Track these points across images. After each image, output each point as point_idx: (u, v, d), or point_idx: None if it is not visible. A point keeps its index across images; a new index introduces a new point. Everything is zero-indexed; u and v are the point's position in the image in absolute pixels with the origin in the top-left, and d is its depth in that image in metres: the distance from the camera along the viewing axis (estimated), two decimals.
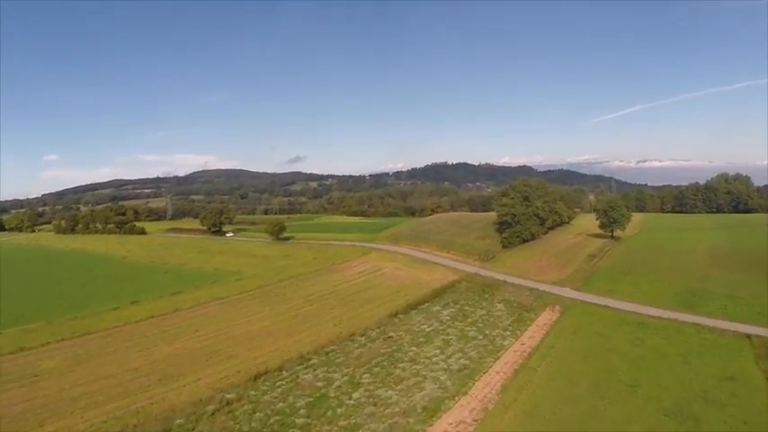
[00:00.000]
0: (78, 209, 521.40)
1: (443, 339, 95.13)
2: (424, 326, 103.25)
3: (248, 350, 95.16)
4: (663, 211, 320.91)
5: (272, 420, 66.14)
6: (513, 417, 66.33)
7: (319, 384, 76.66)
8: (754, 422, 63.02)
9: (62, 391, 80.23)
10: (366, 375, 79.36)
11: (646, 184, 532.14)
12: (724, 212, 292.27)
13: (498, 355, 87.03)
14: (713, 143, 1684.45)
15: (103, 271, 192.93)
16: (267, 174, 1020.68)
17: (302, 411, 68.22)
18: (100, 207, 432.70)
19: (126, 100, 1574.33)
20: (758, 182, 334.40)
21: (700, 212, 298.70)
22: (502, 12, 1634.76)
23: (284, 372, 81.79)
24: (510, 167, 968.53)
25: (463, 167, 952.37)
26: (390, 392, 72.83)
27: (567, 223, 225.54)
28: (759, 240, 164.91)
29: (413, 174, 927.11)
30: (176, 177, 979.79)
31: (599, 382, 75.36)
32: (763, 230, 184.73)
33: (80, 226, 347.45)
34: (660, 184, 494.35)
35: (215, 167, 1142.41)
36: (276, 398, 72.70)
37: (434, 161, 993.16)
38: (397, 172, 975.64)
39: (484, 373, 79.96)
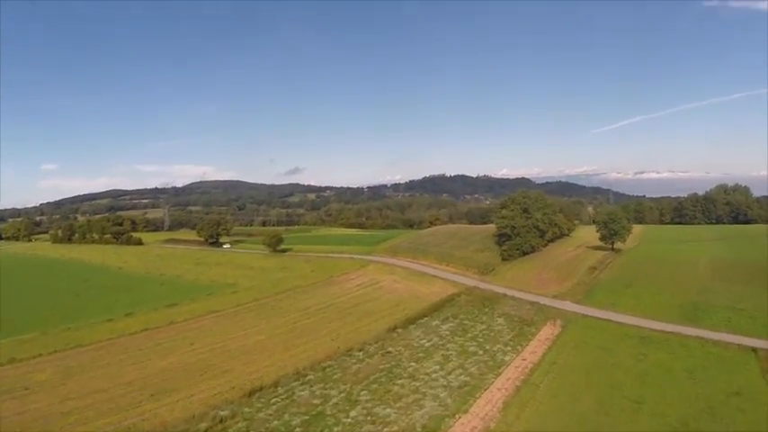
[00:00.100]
0: (76, 218, 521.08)
1: (443, 355, 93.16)
2: (424, 341, 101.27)
3: (243, 365, 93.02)
4: (662, 222, 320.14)
5: None
6: None
7: (315, 401, 74.49)
8: None
9: (52, 406, 78.06)
10: (364, 392, 77.26)
11: (644, 196, 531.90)
12: (723, 223, 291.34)
13: (499, 371, 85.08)
14: (711, 154, 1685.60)
15: (99, 281, 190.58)
16: (265, 185, 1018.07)
17: (297, 430, 66.18)
18: (97, 217, 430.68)
19: (124, 109, 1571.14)
20: (756, 192, 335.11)
21: (699, 224, 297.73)
22: (501, 23, 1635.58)
23: (280, 388, 79.62)
24: (508, 179, 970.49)
25: (461, 179, 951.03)
26: (389, 410, 70.72)
27: (567, 235, 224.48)
28: (760, 252, 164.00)
29: (411, 186, 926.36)
30: (174, 188, 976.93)
31: (603, 399, 73.56)
32: (764, 241, 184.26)
33: (77, 236, 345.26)
34: (658, 195, 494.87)
35: (213, 178, 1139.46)
36: (271, 415, 70.57)
37: (432, 173, 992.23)
38: (395, 184, 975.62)
39: (485, 389, 77.94)
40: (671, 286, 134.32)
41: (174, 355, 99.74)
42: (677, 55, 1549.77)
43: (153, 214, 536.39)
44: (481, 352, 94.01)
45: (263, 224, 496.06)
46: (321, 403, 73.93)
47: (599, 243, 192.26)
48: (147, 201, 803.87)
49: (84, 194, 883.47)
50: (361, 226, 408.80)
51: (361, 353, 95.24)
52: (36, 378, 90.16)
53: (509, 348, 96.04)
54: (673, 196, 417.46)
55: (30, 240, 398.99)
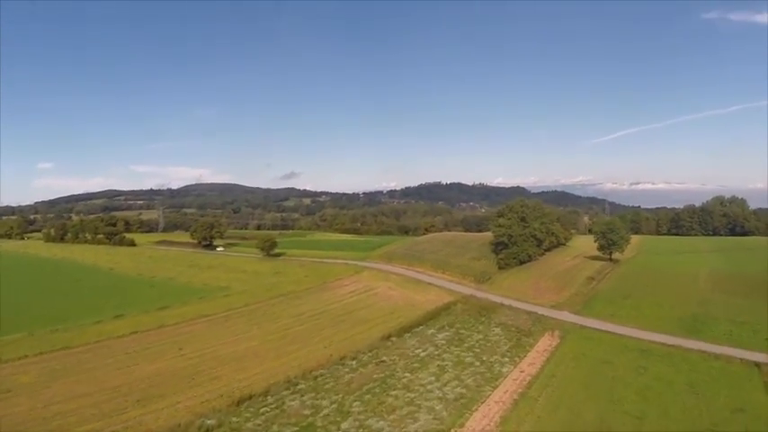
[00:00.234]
0: (70, 218, 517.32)
1: (438, 365, 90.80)
2: (419, 350, 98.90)
3: (233, 372, 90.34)
4: (659, 233, 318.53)
5: None
6: None
7: (306, 412, 71.95)
8: None
9: (34, 410, 75.14)
10: (356, 403, 74.76)
11: (639, 207, 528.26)
12: (720, 235, 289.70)
13: (497, 384, 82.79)
14: (707, 166, 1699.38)
15: (90, 282, 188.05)
16: (261, 189, 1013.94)
17: None
18: (91, 217, 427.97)
19: (121, 110, 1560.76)
20: (753, 205, 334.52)
21: (696, 235, 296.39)
22: (499, 32, 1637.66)
23: (269, 397, 77.10)
24: (504, 188, 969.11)
25: (457, 187, 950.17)
26: (382, 423, 68.28)
27: (564, 245, 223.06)
28: (759, 264, 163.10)
29: (406, 192, 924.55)
30: (170, 190, 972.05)
31: (604, 414, 71.51)
32: (763, 254, 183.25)
33: (69, 235, 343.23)
34: (653, 206, 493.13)
35: (209, 181, 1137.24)
36: (259, 426, 68.17)
37: (428, 180, 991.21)
38: (391, 190, 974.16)
39: (482, 402, 75.61)
40: (670, 298, 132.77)
41: (163, 360, 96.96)
42: (675, 67, 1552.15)
43: (148, 215, 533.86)
44: (478, 363, 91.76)
45: (258, 228, 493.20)
46: (312, 414, 71.44)
47: (596, 253, 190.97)
48: (142, 202, 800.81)
49: (79, 194, 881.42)
50: (356, 231, 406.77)
51: (354, 361, 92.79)
52: (20, 380, 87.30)
53: (506, 360, 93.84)
54: (669, 207, 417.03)
55: (22, 239, 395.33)
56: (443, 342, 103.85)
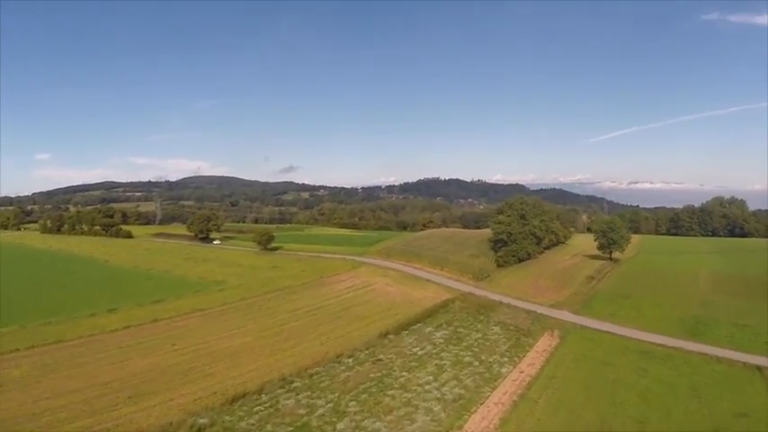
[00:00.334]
0: (68, 209, 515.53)
1: (437, 364, 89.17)
2: (416, 348, 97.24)
3: (227, 368, 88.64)
4: (658, 233, 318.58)
5: None
6: None
7: (301, 412, 70.27)
8: None
9: (24, 406, 73.47)
10: (353, 403, 73.06)
11: (638, 206, 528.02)
12: (719, 236, 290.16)
13: (496, 384, 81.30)
14: (705, 166, 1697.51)
15: (84, 274, 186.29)
16: (259, 182, 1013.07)
17: None
18: (88, 208, 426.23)
19: (120, 102, 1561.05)
20: (751, 206, 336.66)
21: (695, 235, 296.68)
22: (500, 30, 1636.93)
23: (264, 395, 75.36)
24: (502, 185, 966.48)
25: (455, 183, 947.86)
26: (378, 424, 66.66)
27: (563, 243, 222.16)
28: (760, 266, 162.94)
29: (405, 188, 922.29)
30: (168, 182, 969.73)
31: (605, 417, 70.21)
32: (763, 256, 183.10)
33: (66, 226, 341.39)
34: (651, 205, 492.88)
35: (207, 173, 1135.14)
36: (253, 425, 66.48)
37: (427, 176, 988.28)
38: (390, 185, 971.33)
39: (481, 404, 74.09)
40: (671, 299, 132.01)
41: (156, 356, 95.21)
42: (675, 67, 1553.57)
43: (145, 207, 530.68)
44: (477, 363, 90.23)
45: (256, 221, 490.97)
46: (307, 414, 69.78)
47: (596, 252, 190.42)
48: (140, 194, 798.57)
49: (77, 185, 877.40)
50: (354, 226, 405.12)
51: (350, 359, 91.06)
52: (11, 374, 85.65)
53: (506, 359, 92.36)
54: (668, 207, 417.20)
55: (19, 229, 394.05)
56: (441, 340, 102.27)
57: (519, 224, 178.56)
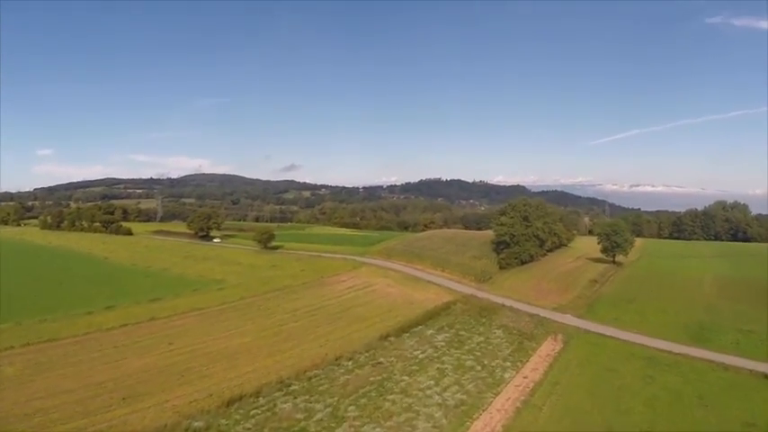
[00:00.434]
0: (68, 205, 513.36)
1: (438, 368, 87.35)
2: (417, 351, 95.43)
3: (224, 370, 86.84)
4: (660, 236, 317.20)
5: None
6: None
7: (299, 416, 68.35)
8: None
9: (16, 405, 71.67)
10: (352, 408, 71.14)
11: (639, 209, 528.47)
12: (722, 240, 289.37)
13: (498, 390, 79.53)
14: (706, 170, 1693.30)
15: (83, 271, 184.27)
16: (261, 180, 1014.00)
17: None
18: (89, 205, 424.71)
19: (122, 99, 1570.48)
20: (752, 211, 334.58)
21: (698, 239, 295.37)
22: (501, 31, 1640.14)
23: (261, 398, 73.51)
24: (503, 186, 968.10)
25: (457, 184, 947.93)
26: (378, 430, 64.86)
27: (566, 245, 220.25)
28: (764, 271, 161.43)
29: (406, 188, 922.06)
30: (169, 179, 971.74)
31: (612, 425, 68.51)
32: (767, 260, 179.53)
33: (66, 223, 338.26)
34: (653, 209, 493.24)
35: (208, 171, 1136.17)
36: (249, 429, 64.71)
37: (428, 176, 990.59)
38: (391, 185, 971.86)
39: (483, 410, 72.30)
40: (676, 303, 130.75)
41: (152, 355, 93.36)
42: (677, 70, 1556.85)
43: (146, 204, 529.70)
44: (479, 367, 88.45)
45: (257, 220, 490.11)
46: (305, 418, 67.87)
47: (599, 255, 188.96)
48: (141, 191, 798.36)
49: (78, 181, 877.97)
50: (355, 226, 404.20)
51: (350, 362, 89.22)
52: (4, 372, 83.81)
53: (508, 364, 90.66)
54: (669, 210, 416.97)
55: (19, 225, 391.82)
56: (443, 344, 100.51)
57: (522, 226, 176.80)
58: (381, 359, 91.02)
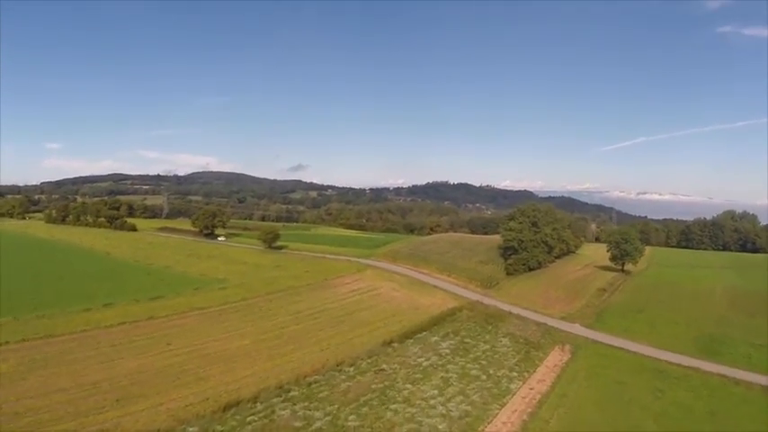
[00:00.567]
0: (75, 199, 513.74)
1: (442, 377, 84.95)
2: (421, 359, 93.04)
3: (222, 372, 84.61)
4: (668, 245, 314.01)
5: None
6: None
7: (297, 424, 65.95)
8: None
9: (6, 404, 69.79)
10: (352, 417, 68.66)
11: (646, 217, 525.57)
12: (731, 250, 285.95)
13: (504, 401, 77.11)
14: (713, 180, 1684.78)
15: (84, 266, 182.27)
16: (268, 180, 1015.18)
17: None
18: (95, 200, 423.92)
19: (131, 95, 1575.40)
20: (761, 221, 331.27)
21: (706, 249, 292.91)
22: (511, 36, 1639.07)
23: (258, 404, 71.21)
24: (511, 191, 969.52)
25: (464, 188, 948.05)
26: None
27: (574, 252, 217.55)
28: None
29: (413, 191, 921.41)
30: (176, 176, 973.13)
31: None
32: None
33: (71, 217, 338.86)
34: (660, 217, 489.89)
35: (216, 169, 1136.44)
36: None
37: (435, 179, 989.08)
38: (398, 188, 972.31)
39: (488, 422, 69.87)
40: (686, 315, 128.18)
41: (148, 356, 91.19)
42: (685, 78, 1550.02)
43: (152, 201, 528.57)
44: (484, 377, 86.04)
45: (263, 219, 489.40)
46: (303, 427, 65.52)
47: (607, 263, 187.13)
48: (148, 187, 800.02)
49: (86, 176, 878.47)
50: (361, 227, 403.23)
51: (351, 368, 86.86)
52: None
53: (515, 374, 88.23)
54: (676, 219, 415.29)
55: (24, 218, 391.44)
56: (448, 351, 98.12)
57: (530, 231, 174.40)
58: (384, 366, 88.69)
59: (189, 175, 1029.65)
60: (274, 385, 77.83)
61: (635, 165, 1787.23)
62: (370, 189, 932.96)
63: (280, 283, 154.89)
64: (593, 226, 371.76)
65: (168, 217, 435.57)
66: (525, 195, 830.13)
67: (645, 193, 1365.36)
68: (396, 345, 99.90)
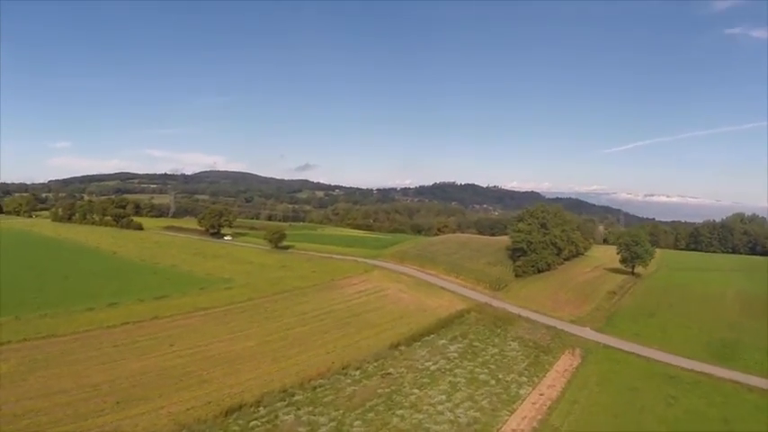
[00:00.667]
0: (82, 198, 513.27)
1: (450, 382, 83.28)
2: (429, 363, 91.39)
3: (225, 375, 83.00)
4: (677, 247, 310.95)
5: None
6: None
7: (301, 430, 64.46)
8: None
9: (5, 405, 68.39)
10: (357, 423, 67.00)
11: (654, 219, 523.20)
12: (740, 254, 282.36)
13: (514, 408, 75.42)
14: (720, 182, 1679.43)
15: (89, 265, 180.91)
16: (275, 179, 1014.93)
17: None
18: (102, 198, 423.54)
19: (140, 95, 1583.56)
20: None
21: (715, 251, 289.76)
22: (517, 36, 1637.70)
23: (262, 408, 69.66)
24: (518, 192, 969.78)
25: (471, 189, 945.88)
26: None
27: (583, 254, 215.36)
28: None
29: (420, 191, 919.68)
30: (183, 175, 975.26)
31: None
32: None
33: (77, 215, 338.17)
34: (667, 219, 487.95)
35: (223, 169, 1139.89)
36: None
37: (442, 180, 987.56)
38: (405, 188, 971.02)
39: (498, 430, 68.22)
40: (697, 319, 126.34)
41: (151, 357, 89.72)
42: (693, 80, 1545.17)
43: (160, 200, 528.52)
44: (493, 381, 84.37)
45: (269, 218, 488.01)
46: None
47: (617, 265, 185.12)
48: (155, 186, 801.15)
49: (93, 175, 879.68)
50: (368, 228, 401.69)
51: (357, 372, 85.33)
52: None
53: (524, 379, 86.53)
54: (683, 221, 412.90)
55: (30, 216, 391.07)
56: (456, 355, 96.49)
57: (539, 233, 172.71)
58: (391, 370, 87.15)
59: (196, 174, 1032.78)
60: (278, 389, 76.41)
61: (642, 166, 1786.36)
62: (378, 189, 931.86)
63: (286, 284, 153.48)
64: (601, 228, 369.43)
65: (175, 216, 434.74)
66: (532, 196, 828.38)
67: (652, 195, 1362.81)
68: (403, 348, 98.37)
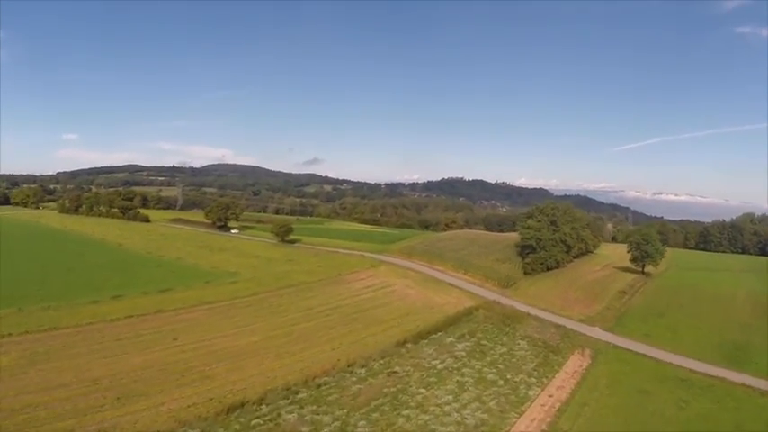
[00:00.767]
0: (90, 190, 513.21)
1: (458, 381, 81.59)
2: (436, 361, 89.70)
3: (228, 371, 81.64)
4: (686, 246, 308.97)
5: None
6: None
7: (304, 429, 62.87)
8: None
9: (4, 399, 67.32)
10: (362, 423, 65.38)
11: (662, 217, 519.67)
12: (750, 254, 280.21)
13: (522, 409, 73.74)
14: (729, 181, 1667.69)
15: (94, 257, 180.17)
16: (283, 173, 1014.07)
17: None
18: (109, 190, 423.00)
19: (148, 87, 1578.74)
20: None
21: (724, 251, 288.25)
22: (527, 34, 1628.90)
23: (264, 406, 68.18)
24: (526, 188, 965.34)
25: (479, 185, 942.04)
26: None
27: (592, 252, 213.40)
28: None
29: (428, 186, 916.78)
30: (192, 168, 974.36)
31: None
32: None
33: (84, 207, 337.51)
34: (676, 218, 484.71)
35: (231, 162, 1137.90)
36: None
37: (450, 175, 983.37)
38: (413, 183, 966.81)
39: None
40: (708, 320, 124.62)
41: (154, 351, 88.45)
42: (702, 79, 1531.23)
43: (167, 192, 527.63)
44: (501, 382, 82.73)
45: (277, 212, 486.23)
46: None
47: (626, 264, 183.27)
48: (163, 178, 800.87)
49: (101, 167, 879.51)
50: (375, 222, 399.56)
51: (363, 369, 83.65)
52: None
53: (533, 380, 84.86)
54: (692, 220, 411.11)
55: (37, 208, 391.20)
56: (463, 353, 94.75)
57: (549, 230, 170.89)
58: (397, 368, 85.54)
59: (204, 167, 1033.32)
60: (282, 386, 74.98)
61: (651, 165, 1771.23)
62: (385, 184, 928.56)
63: (292, 278, 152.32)
64: (610, 226, 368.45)
65: (183, 209, 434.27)
66: (540, 193, 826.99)
67: (661, 194, 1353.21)
68: (409, 345, 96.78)
